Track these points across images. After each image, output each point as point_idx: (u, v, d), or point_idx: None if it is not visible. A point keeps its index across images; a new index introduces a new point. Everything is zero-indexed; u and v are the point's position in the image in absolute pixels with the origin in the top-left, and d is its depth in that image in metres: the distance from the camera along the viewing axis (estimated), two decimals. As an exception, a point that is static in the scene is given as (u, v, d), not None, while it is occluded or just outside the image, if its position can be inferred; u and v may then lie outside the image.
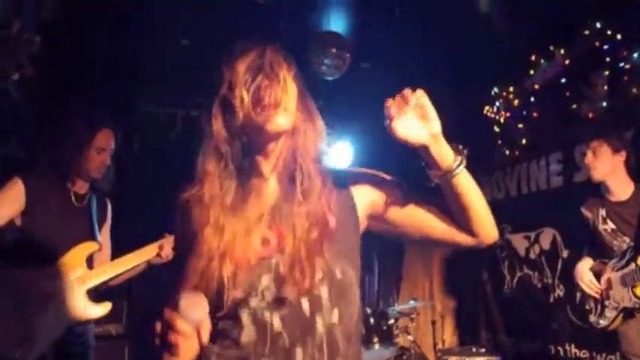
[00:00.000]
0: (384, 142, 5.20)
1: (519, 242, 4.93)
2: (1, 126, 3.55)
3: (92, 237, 2.61)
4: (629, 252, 2.88)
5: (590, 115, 4.15)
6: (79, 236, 2.53)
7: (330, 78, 4.16)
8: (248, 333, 1.22)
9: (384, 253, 5.76)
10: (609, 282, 2.97)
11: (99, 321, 4.02)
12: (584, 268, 3.09)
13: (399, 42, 4.12)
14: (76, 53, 3.76)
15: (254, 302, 1.22)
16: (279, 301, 1.22)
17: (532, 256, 4.79)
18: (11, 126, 3.62)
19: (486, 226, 1.35)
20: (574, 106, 4.22)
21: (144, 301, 4.64)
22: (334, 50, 3.95)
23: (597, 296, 3.02)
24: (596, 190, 3.10)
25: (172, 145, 4.41)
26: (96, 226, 2.67)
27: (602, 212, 3.01)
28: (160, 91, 4.43)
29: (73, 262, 2.47)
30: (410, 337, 4.58)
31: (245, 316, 1.22)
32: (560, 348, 4.49)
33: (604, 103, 4.04)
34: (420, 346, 5.13)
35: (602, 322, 2.99)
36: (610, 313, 2.96)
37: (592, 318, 3.07)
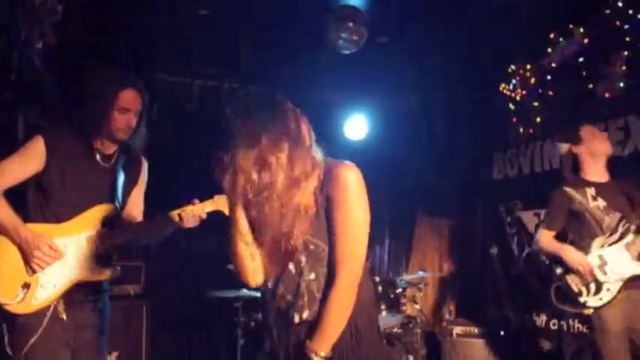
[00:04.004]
0: (399, 116, 5.25)
1: (529, 219, 4.97)
2: (25, 94, 3.65)
3: (112, 199, 2.56)
4: (621, 225, 3.09)
5: (607, 94, 4.13)
6: (99, 197, 2.50)
7: (346, 52, 4.17)
8: None
9: (395, 224, 5.84)
10: (601, 259, 3.10)
11: (118, 281, 4.25)
12: (572, 250, 3.20)
13: (416, 17, 4.11)
14: (97, 23, 3.82)
15: None
16: None
17: (541, 232, 4.84)
18: (35, 94, 3.71)
19: None
20: (591, 85, 4.19)
21: (161, 262, 4.81)
22: (351, 24, 3.95)
23: (590, 276, 3.10)
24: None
25: (189, 115, 4.47)
26: (119, 188, 2.59)
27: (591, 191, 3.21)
28: (177, 61, 4.47)
29: (88, 221, 2.46)
30: (417, 307, 4.70)
31: None
32: (563, 322, 4.57)
33: (621, 84, 4.01)
34: (427, 315, 5.26)
35: (606, 297, 3.06)
36: (613, 286, 3.06)
37: (584, 298, 3.12)
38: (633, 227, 3.09)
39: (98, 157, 2.54)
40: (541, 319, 4.82)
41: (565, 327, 4.57)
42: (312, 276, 1.70)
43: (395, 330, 4.41)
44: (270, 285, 1.78)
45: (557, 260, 3.26)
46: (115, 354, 3.98)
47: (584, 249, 3.17)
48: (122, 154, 2.63)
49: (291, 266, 1.72)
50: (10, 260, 2.35)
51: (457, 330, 4.65)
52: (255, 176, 1.61)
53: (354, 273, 1.69)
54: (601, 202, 3.17)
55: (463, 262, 5.74)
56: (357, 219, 1.68)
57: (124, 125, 2.48)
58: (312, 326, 1.69)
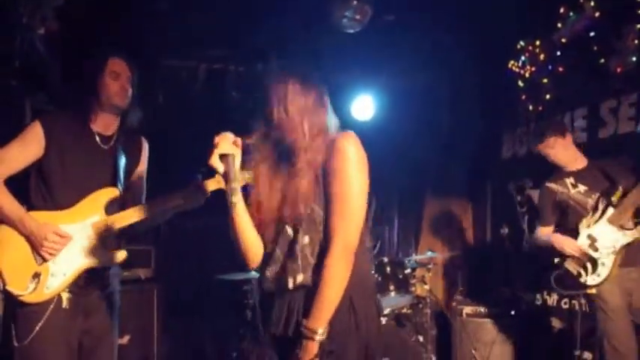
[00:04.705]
0: (406, 95, 5.18)
1: (540, 198, 4.92)
2: (30, 80, 3.63)
3: (115, 181, 2.53)
4: (600, 202, 3.27)
5: (619, 69, 4.05)
6: (101, 180, 2.49)
7: (351, 31, 4.11)
8: None
9: (405, 205, 5.81)
10: (591, 237, 3.28)
11: (129, 265, 4.28)
12: (559, 236, 3.41)
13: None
14: (99, 9, 3.78)
15: None
16: None
17: (552, 211, 4.80)
18: (38, 80, 3.70)
19: None
20: (602, 60, 4.11)
21: (171, 246, 4.84)
22: (355, 3, 3.89)
23: (584, 257, 3.28)
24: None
25: (195, 99, 4.44)
26: (121, 170, 2.56)
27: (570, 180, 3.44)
28: (182, 45, 4.44)
29: (91, 206, 2.44)
30: (426, 287, 4.67)
31: None
32: (575, 302, 4.55)
33: (633, 58, 3.93)
34: (437, 295, 5.25)
35: (603, 273, 3.20)
36: (607, 260, 3.21)
37: (584, 278, 3.29)
38: (612, 201, 3.25)
39: (98, 139, 2.54)
40: (552, 299, 4.79)
41: (577, 306, 4.54)
42: (307, 240, 1.73)
43: (405, 310, 4.41)
44: (267, 249, 1.81)
45: (555, 249, 3.44)
46: (126, 337, 4.03)
47: (575, 234, 3.33)
48: (121, 135, 2.61)
49: (288, 229, 1.76)
50: (19, 251, 2.35)
51: (467, 310, 4.64)
52: (282, 112, 1.73)
53: (350, 241, 1.70)
54: (581, 187, 3.39)
55: (473, 241, 5.71)
56: (354, 187, 1.70)
57: (119, 89, 2.50)
58: (308, 303, 1.68)
